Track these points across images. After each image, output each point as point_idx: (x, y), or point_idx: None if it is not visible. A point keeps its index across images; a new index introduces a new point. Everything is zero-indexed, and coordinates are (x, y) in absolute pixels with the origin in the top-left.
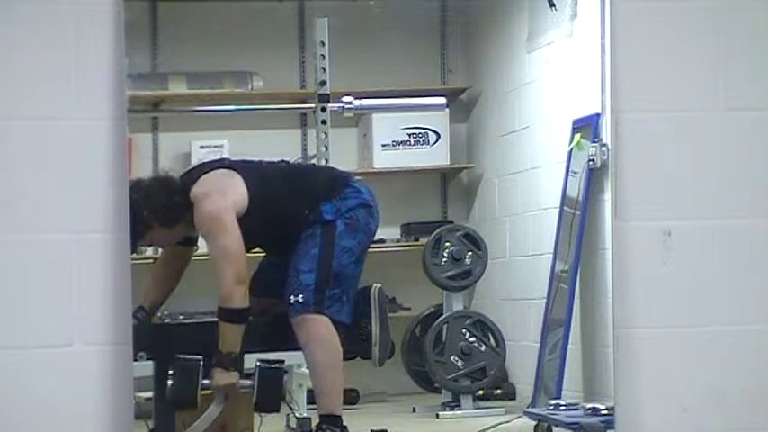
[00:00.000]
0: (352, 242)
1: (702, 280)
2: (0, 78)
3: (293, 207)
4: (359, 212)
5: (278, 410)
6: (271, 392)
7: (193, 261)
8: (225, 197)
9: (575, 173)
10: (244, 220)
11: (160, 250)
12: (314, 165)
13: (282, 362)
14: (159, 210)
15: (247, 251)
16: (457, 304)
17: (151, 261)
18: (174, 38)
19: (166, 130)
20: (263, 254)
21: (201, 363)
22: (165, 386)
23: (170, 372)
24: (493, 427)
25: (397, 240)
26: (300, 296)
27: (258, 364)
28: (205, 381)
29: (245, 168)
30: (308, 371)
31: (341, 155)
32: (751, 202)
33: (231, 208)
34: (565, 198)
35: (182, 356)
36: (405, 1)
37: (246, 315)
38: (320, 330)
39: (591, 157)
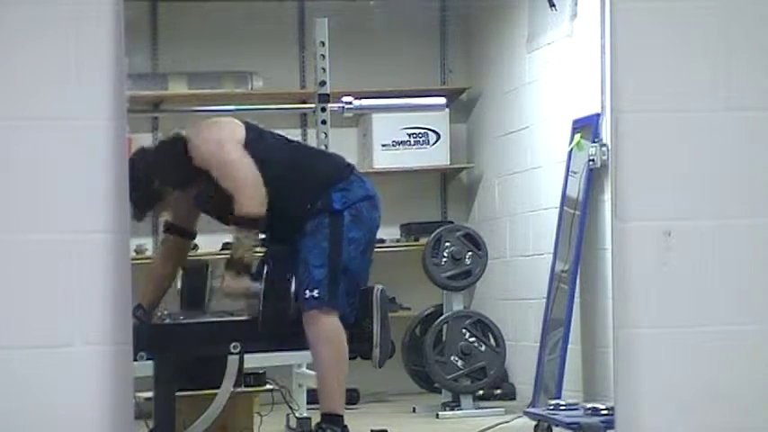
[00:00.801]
0: (358, 233)
1: (702, 280)
2: (0, 78)
3: (300, 185)
4: (363, 205)
5: (285, 322)
6: (277, 299)
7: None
8: (224, 128)
9: (575, 173)
10: None
11: (158, 247)
12: (319, 149)
13: (292, 276)
14: (167, 173)
15: None
16: (457, 304)
17: (151, 261)
18: (174, 38)
19: (166, 130)
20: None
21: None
22: (164, 386)
23: (180, 273)
24: (493, 427)
25: (397, 240)
26: (315, 291)
27: (267, 264)
28: (216, 283)
29: (252, 128)
30: (308, 371)
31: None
32: (751, 202)
33: (232, 138)
34: (565, 198)
35: (194, 258)
36: (405, 1)
37: (262, 223)
38: (330, 328)
39: (591, 157)
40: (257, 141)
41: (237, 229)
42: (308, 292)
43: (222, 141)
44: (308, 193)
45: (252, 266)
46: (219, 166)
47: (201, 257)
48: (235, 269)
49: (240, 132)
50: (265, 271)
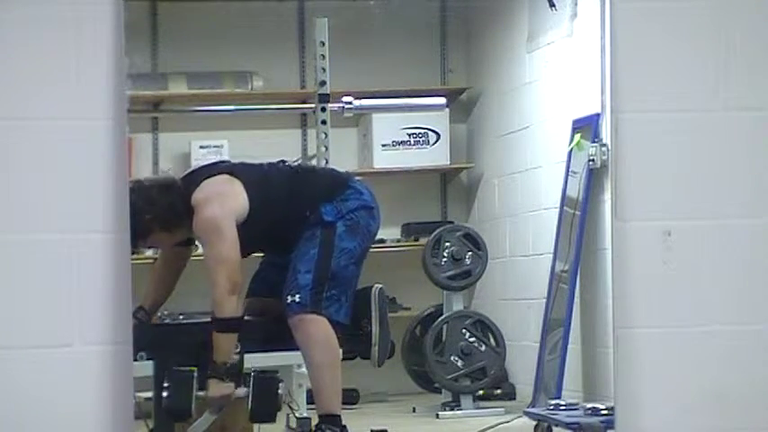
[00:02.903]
0: (351, 244)
1: (702, 280)
2: (0, 78)
3: (294, 209)
4: (360, 214)
5: (273, 421)
6: (266, 402)
7: (194, 261)
8: (225, 204)
9: (575, 173)
10: (244, 226)
11: (160, 250)
12: (314, 166)
13: (277, 372)
14: (160, 214)
15: (247, 256)
16: (457, 304)
17: (151, 261)
18: (174, 38)
19: (166, 130)
20: (263, 254)
21: (196, 374)
22: (162, 389)
23: (165, 384)
24: (493, 427)
25: (397, 240)
26: (297, 296)
27: (253, 373)
28: (200, 393)
29: (246, 173)
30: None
31: (341, 155)
32: (751, 202)
33: (231, 215)
34: (565, 198)
35: (177, 368)
36: (405, 1)
37: (239, 324)
38: (318, 330)
39: (591, 157)
40: (254, 182)
41: (217, 333)
42: (290, 297)
43: (216, 223)
44: (299, 211)
45: (236, 368)
46: (208, 250)
47: (188, 369)
48: (218, 376)
49: (239, 200)
50: (252, 376)
